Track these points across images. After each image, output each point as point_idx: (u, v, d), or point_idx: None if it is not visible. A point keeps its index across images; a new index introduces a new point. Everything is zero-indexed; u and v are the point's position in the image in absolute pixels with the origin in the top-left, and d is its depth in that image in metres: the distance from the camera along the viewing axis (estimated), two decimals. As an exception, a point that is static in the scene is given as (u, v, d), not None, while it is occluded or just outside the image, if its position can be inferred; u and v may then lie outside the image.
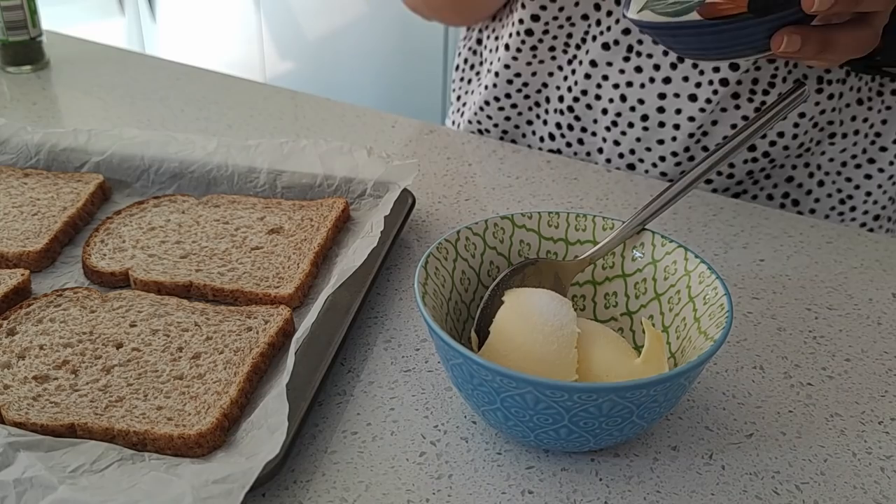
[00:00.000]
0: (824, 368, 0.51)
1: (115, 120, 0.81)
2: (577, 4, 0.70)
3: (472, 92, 0.85)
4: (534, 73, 0.76)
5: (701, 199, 0.69)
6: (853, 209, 0.75)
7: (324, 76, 2.35)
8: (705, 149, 0.73)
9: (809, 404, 0.48)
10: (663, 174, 0.74)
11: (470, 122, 0.83)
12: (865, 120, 0.72)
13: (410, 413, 0.47)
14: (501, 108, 0.80)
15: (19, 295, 0.54)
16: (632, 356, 0.45)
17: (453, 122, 0.89)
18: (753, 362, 0.51)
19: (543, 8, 0.71)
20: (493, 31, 0.80)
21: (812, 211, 0.76)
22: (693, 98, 0.70)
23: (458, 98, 0.88)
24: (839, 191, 0.75)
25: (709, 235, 0.64)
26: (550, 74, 0.76)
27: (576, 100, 0.75)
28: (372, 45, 2.22)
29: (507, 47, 0.75)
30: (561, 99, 0.76)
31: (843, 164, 0.74)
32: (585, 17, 0.71)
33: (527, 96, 0.78)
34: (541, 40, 0.73)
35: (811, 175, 0.75)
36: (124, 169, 0.66)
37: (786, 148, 0.72)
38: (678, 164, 0.74)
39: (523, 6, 0.72)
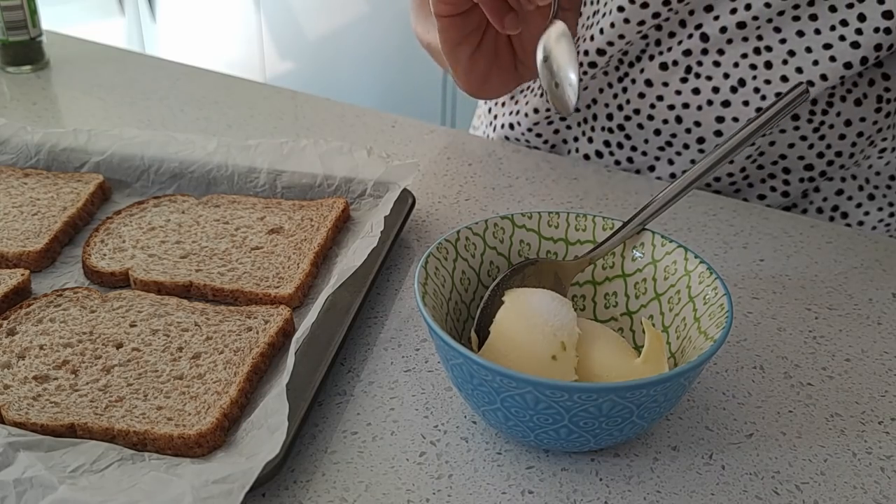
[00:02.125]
0: (824, 368, 0.51)
1: (115, 120, 0.81)
2: (640, 32, 0.68)
3: (505, 107, 0.82)
4: (585, 88, 0.74)
5: (701, 199, 0.69)
6: (868, 213, 0.75)
7: (324, 76, 2.35)
8: (760, 167, 0.72)
9: (809, 404, 0.48)
10: (717, 192, 0.74)
11: (518, 139, 0.81)
12: None
13: (410, 413, 0.47)
14: (550, 122, 0.78)
15: (19, 295, 0.54)
16: (632, 356, 0.45)
17: (485, 135, 0.86)
18: (753, 362, 0.51)
19: (611, 44, 0.69)
20: None
21: (860, 223, 0.75)
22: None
23: (490, 111, 0.85)
24: (891, 204, 0.74)
25: (709, 235, 0.64)
26: (600, 91, 0.74)
27: (627, 118, 0.73)
28: (372, 45, 2.23)
29: None
30: (610, 117, 0.74)
31: (892, 178, 0.73)
32: (644, 36, 0.69)
33: (577, 109, 0.76)
34: (602, 69, 0.72)
35: (861, 188, 0.74)
36: (124, 169, 0.66)
37: (842, 167, 0.71)
38: (733, 183, 0.73)
39: (592, 38, 0.70)
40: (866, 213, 0.75)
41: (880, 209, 0.74)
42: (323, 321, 0.50)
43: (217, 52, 2.43)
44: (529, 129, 0.79)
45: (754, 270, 0.60)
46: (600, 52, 0.70)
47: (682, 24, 0.67)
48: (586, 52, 0.71)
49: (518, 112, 0.81)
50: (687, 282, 0.47)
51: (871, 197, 0.74)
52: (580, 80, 0.67)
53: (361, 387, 0.49)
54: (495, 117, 0.84)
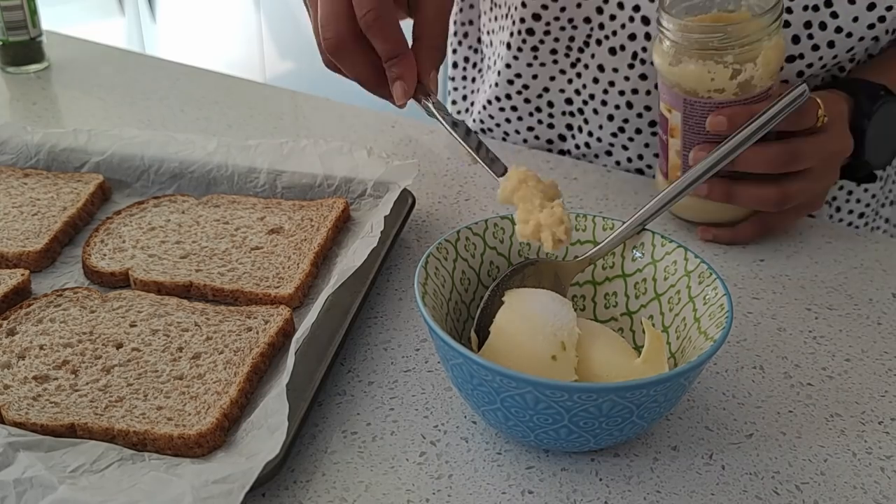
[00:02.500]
0: (824, 368, 0.51)
1: (115, 120, 0.81)
2: (579, 6, 0.69)
3: (478, 90, 0.84)
4: (535, 76, 0.75)
5: (701, 199, 0.69)
6: (838, 209, 0.75)
7: (324, 76, 2.35)
8: None
9: (809, 404, 0.48)
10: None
11: (475, 120, 0.82)
12: None
13: (410, 413, 0.47)
14: (502, 109, 0.79)
15: (19, 295, 0.54)
16: (632, 356, 0.45)
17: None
18: (753, 362, 0.51)
19: (545, 7, 0.70)
20: (494, 31, 0.79)
21: (830, 217, 0.75)
22: None
23: (465, 98, 0.87)
24: (874, 196, 0.74)
25: (709, 235, 0.64)
26: (552, 79, 0.75)
27: (585, 103, 0.74)
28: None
29: (508, 46, 0.74)
30: (569, 101, 0.75)
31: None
32: (588, 20, 0.70)
33: (527, 100, 0.77)
34: (542, 41, 0.72)
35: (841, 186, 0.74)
36: (124, 169, 0.66)
37: None
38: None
39: (524, 5, 0.71)
40: (838, 210, 0.75)
41: (858, 201, 0.75)
42: (323, 321, 0.50)
43: (217, 52, 2.43)
44: (484, 108, 0.80)
45: (754, 270, 0.60)
46: (536, 17, 0.70)
47: (621, 6, 0.67)
48: (522, 20, 0.71)
49: (477, 90, 0.82)
50: (687, 282, 0.47)
51: (850, 191, 0.74)
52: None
53: (361, 387, 0.49)
54: (471, 104, 0.86)
